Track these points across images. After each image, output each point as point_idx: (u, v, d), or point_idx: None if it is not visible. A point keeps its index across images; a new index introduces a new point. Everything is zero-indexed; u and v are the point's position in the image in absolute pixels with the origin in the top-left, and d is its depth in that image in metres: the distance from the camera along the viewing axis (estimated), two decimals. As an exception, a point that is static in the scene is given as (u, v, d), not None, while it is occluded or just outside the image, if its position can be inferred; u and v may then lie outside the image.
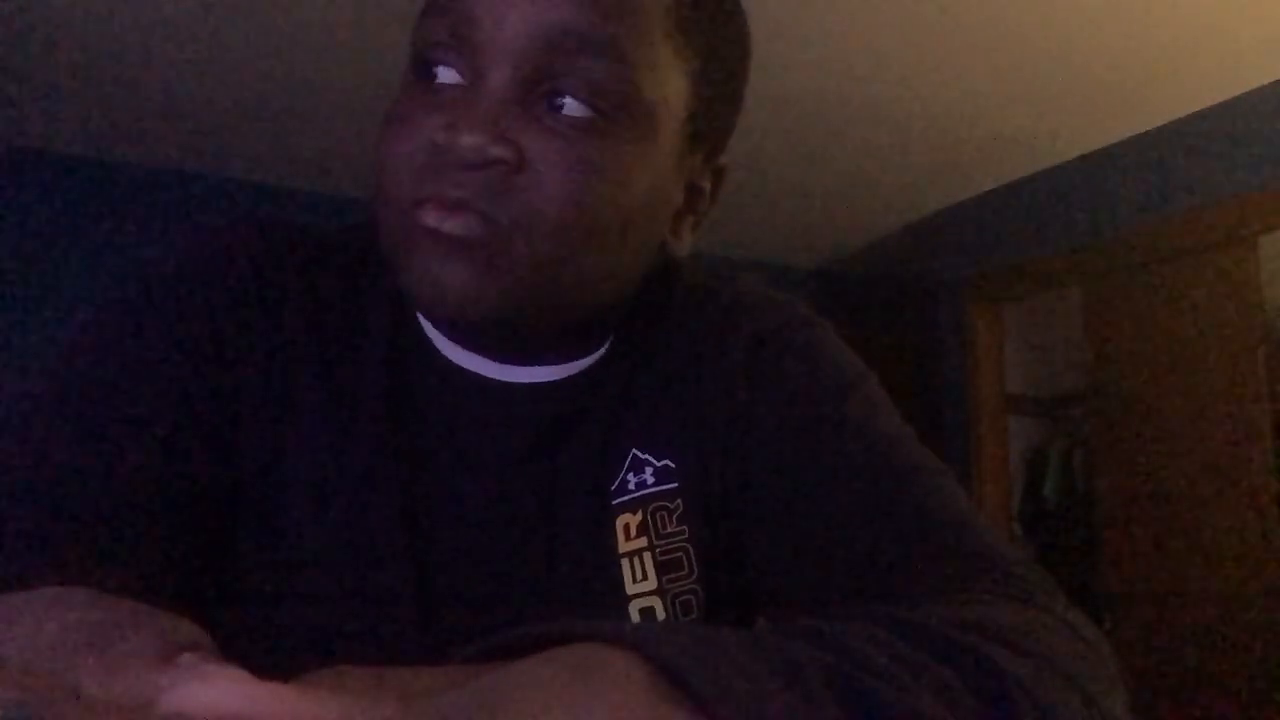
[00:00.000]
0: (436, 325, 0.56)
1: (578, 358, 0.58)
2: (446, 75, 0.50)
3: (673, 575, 0.56)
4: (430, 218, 0.48)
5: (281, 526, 0.53)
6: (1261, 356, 2.69)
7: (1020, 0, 2.30)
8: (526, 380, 0.57)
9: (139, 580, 0.43)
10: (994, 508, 3.42)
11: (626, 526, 0.57)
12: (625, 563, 0.56)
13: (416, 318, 0.57)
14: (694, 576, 0.57)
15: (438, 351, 0.57)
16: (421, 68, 0.51)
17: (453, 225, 0.48)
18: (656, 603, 0.56)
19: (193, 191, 3.31)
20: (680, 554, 0.57)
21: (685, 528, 0.57)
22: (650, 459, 0.58)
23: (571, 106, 0.49)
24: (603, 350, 0.59)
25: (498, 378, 0.56)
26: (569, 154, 0.49)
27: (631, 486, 0.57)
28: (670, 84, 0.52)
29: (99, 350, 0.50)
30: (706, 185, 0.59)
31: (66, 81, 2.71)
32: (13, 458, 0.45)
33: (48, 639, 0.25)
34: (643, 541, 0.57)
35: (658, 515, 0.57)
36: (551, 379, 0.57)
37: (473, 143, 0.47)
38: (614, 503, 0.57)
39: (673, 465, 0.58)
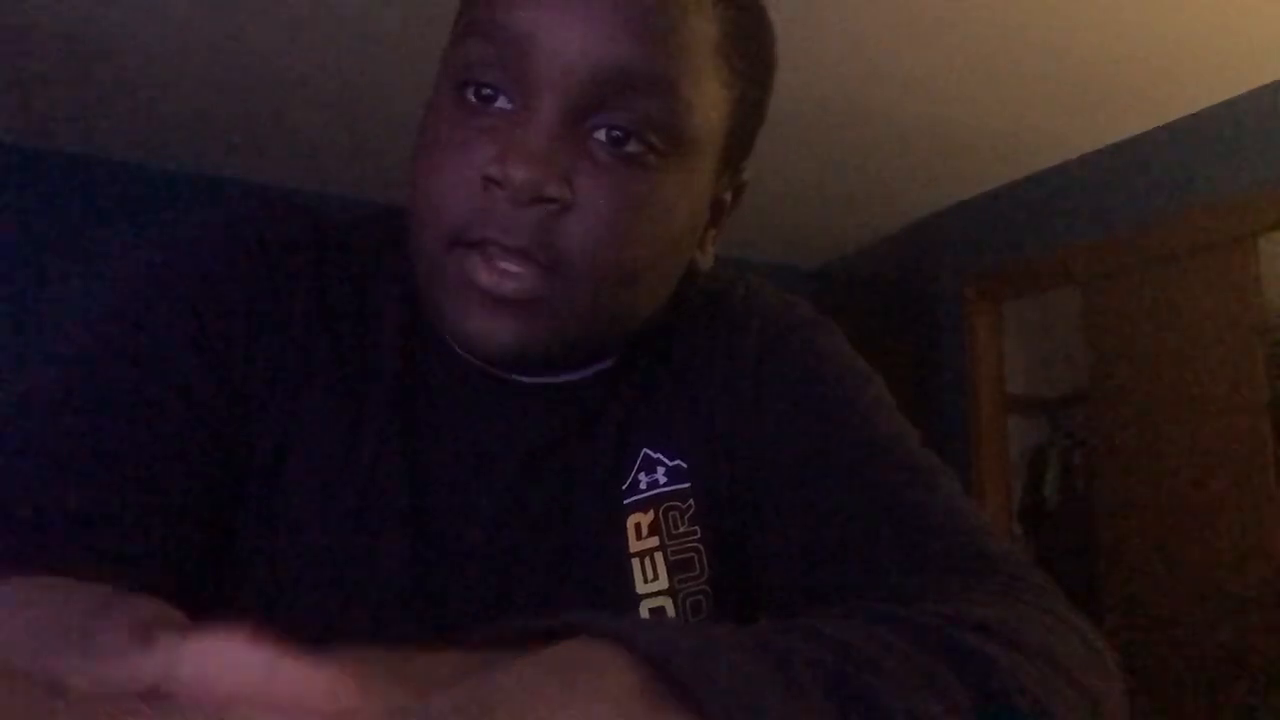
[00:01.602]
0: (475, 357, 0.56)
1: (593, 361, 0.58)
2: (492, 100, 0.49)
3: (685, 575, 0.56)
4: (485, 276, 0.48)
5: (284, 519, 0.53)
6: (1261, 356, 2.68)
7: (1021, 1, 2.30)
8: (541, 380, 0.57)
9: (141, 572, 0.43)
10: (994, 508, 3.41)
11: (637, 526, 0.57)
12: (636, 562, 0.56)
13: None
14: (705, 577, 0.57)
15: (452, 347, 0.57)
16: (463, 89, 0.50)
17: (508, 287, 0.48)
18: (667, 603, 0.56)
19: (193, 192, 3.30)
20: (692, 554, 0.57)
21: (697, 528, 0.57)
22: (663, 458, 0.58)
23: (621, 142, 0.48)
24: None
25: (512, 376, 0.56)
26: (618, 193, 0.48)
27: (643, 486, 0.57)
28: (714, 113, 0.52)
29: (104, 340, 0.50)
30: (728, 197, 0.60)
31: (66, 81, 2.71)
32: (15, 450, 0.45)
33: (24, 633, 0.25)
34: (654, 541, 0.56)
35: (669, 515, 0.57)
36: (566, 379, 0.57)
37: (527, 179, 0.46)
38: (625, 502, 0.57)
39: (685, 465, 0.58)
